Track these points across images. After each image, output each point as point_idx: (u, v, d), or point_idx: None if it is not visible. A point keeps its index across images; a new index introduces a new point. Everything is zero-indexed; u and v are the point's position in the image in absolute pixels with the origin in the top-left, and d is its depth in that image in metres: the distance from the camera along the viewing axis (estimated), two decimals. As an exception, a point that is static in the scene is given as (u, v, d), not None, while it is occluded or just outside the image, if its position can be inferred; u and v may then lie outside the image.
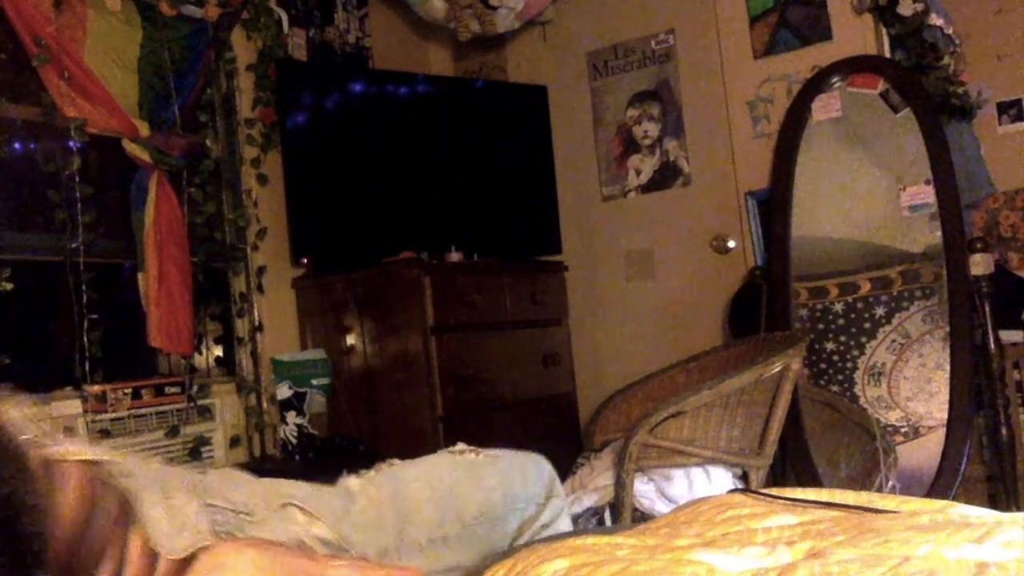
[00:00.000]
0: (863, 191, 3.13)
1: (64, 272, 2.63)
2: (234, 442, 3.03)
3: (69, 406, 2.58)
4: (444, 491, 1.14)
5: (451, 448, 1.25)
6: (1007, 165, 3.44)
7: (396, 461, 1.20)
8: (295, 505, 1.01)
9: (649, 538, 0.90)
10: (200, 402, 2.92)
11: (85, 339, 2.63)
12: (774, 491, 1.03)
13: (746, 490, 1.08)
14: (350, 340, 3.14)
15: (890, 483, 2.80)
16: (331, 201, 3.22)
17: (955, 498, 2.63)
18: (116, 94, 2.77)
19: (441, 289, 3.06)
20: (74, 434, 2.46)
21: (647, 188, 3.67)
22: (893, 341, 2.96)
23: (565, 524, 1.31)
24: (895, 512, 0.92)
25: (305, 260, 3.26)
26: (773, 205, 3.26)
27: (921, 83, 3.05)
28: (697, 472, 2.38)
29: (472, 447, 1.25)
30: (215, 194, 3.15)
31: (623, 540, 0.88)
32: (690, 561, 0.78)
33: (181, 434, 2.85)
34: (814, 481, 2.89)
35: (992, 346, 2.81)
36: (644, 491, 2.39)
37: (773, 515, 0.93)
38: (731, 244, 3.45)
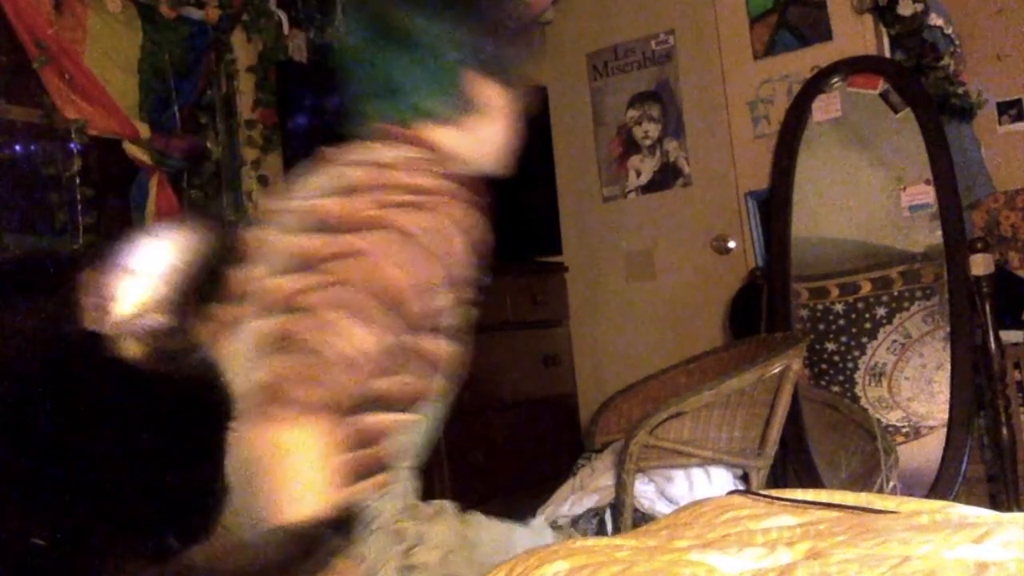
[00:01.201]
0: (863, 191, 3.12)
1: (65, 274, 2.63)
2: (235, 443, 3.03)
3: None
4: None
5: (528, 521, 1.29)
6: (1007, 165, 3.43)
7: (478, 514, 1.26)
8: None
9: (649, 539, 0.90)
10: (201, 403, 2.91)
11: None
12: (774, 492, 1.04)
13: (746, 491, 1.08)
14: (351, 341, 3.14)
15: (891, 483, 2.80)
16: (331, 202, 3.21)
17: (956, 498, 2.63)
18: (116, 96, 2.77)
19: (441, 290, 3.05)
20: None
21: (647, 188, 3.67)
22: (894, 341, 2.96)
23: None
24: (895, 512, 0.92)
25: (305, 261, 3.25)
26: (773, 205, 3.25)
27: (921, 83, 3.05)
28: (698, 472, 2.38)
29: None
30: (215, 196, 3.15)
31: (623, 541, 0.88)
32: (690, 562, 0.78)
33: (182, 435, 2.84)
34: (814, 482, 2.88)
35: (992, 346, 2.80)
36: (645, 492, 2.39)
37: (773, 516, 0.93)
38: (731, 244, 3.45)
